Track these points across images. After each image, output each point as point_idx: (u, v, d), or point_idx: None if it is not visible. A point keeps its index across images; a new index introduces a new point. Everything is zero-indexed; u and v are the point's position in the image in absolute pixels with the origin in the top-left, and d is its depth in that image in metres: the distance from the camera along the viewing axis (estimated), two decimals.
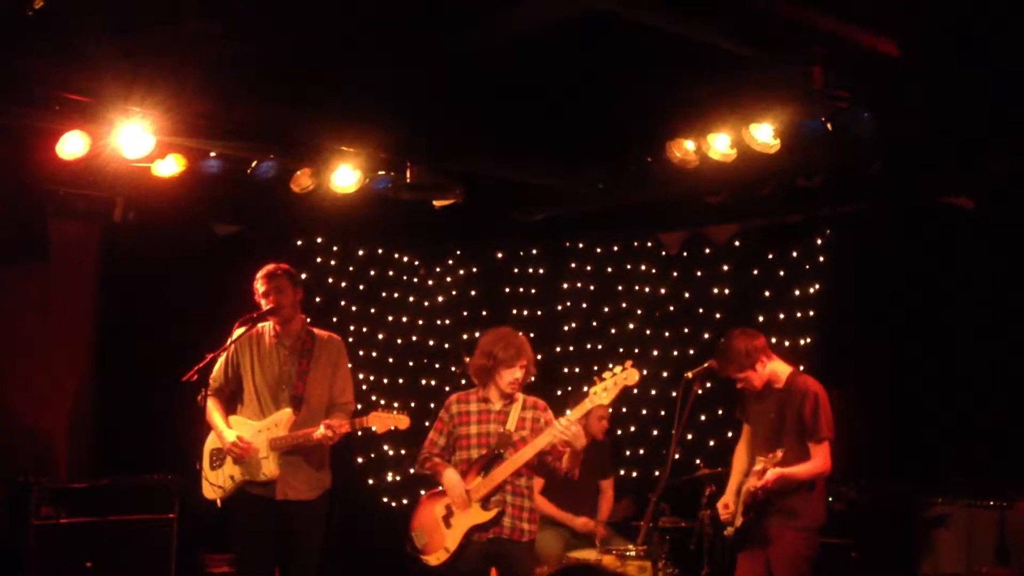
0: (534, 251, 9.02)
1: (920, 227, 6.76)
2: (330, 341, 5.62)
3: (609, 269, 8.66)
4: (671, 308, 8.29)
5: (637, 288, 8.49)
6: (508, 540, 5.11)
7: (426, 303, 9.02)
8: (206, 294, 7.19)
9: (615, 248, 8.66)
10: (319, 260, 8.50)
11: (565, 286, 8.84)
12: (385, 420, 5.38)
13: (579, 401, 5.00)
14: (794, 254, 7.62)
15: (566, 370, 8.57)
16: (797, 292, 7.55)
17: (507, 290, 9.04)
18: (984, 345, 6.43)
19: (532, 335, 8.82)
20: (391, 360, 8.80)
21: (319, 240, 8.49)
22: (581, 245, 8.81)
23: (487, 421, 5.22)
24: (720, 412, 7.55)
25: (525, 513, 5.17)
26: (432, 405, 8.60)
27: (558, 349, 8.74)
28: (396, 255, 8.93)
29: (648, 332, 8.35)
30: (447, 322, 9.01)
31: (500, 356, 5.16)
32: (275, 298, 5.44)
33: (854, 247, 7.21)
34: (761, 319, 7.60)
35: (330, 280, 8.54)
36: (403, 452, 8.56)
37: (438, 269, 9.07)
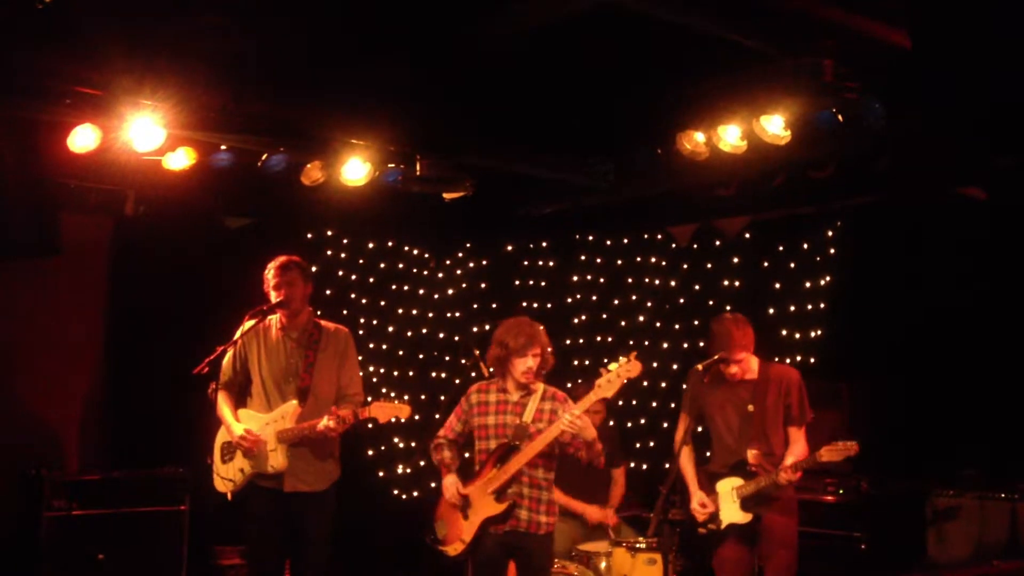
0: (544, 244, 9.02)
1: (932, 218, 6.73)
2: (337, 333, 5.62)
3: (619, 262, 8.65)
4: (681, 300, 8.28)
5: (647, 281, 8.48)
6: (525, 533, 5.10)
7: (436, 296, 9.02)
8: (216, 287, 7.20)
9: (625, 241, 8.65)
10: (329, 253, 8.50)
11: (575, 279, 8.84)
12: (387, 410, 5.40)
13: (586, 394, 5.02)
14: (805, 246, 7.60)
15: (576, 362, 8.56)
16: (808, 284, 7.53)
17: (516, 283, 9.04)
18: (996, 336, 6.40)
19: (541, 328, 8.89)
20: (401, 353, 8.80)
21: (329, 233, 8.49)
22: (591, 238, 8.80)
23: (504, 412, 5.22)
24: None
25: (543, 506, 5.15)
26: (442, 398, 8.62)
27: (568, 342, 8.73)
28: (406, 248, 8.93)
29: (658, 325, 8.35)
30: (457, 315, 9.02)
31: (512, 345, 5.16)
32: (286, 291, 5.44)
33: (865, 239, 7.19)
34: (771, 311, 7.59)
35: (340, 273, 8.54)
36: (413, 444, 8.57)
37: (448, 262, 9.08)
